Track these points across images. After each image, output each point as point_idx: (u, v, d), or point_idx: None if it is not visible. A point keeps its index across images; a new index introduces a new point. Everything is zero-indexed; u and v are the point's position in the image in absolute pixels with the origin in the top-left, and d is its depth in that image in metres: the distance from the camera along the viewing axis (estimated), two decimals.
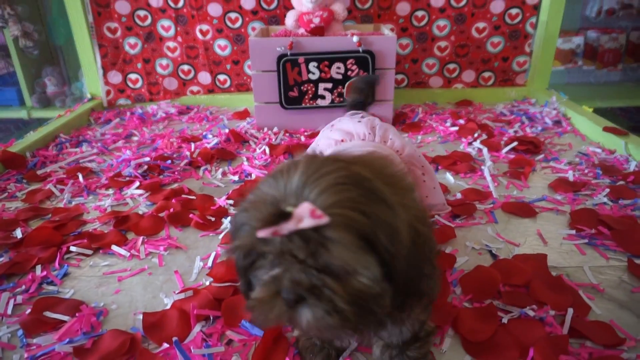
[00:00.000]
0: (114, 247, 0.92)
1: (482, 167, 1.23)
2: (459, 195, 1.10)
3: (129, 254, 0.91)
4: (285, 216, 0.38)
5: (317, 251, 0.38)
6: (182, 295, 0.78)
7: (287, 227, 0.38)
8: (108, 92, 1.85)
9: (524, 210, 1.03)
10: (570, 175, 1.18)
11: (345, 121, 0.84)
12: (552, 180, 1.16)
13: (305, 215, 0.37)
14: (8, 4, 2.53)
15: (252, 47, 1.47)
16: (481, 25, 1.78)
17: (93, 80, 1.82)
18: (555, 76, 2.47)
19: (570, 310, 0.70)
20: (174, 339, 0.66)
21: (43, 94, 2.70)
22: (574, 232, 0.94)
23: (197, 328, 0.70)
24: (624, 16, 2.39)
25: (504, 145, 1.35)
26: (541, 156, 1.31)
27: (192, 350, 0.65)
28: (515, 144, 1.34)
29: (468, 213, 1.01)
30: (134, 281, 0.84)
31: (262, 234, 0.38)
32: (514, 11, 1.76)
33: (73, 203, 1.13)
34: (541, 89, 1.84)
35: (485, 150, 1.32)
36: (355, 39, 1.44)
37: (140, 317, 0.73)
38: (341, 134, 0.80)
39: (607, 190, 1.09)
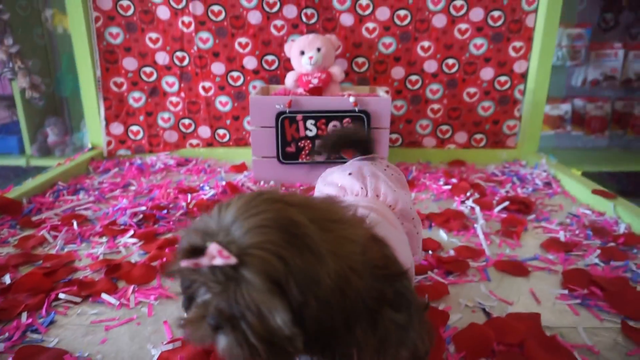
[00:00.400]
0: (104, 295, 0.91)
1: (475, 225, 1.24)
2: (452, 252, 1.10)
3: (118, 302, 0.90)
4: (203, 251, 0.42)
5: (230, 288, 0.41)
6: (170, 346, 0.76)
7: (203, 262, 0.41)
8: (109, 143, 1.88)
9: (516, 268, 1.03)
10: (561, 236, 1.19)
11: (337, 174, 0.84)
12: (544, 240, 1.17)
13: (215, 254, 0.41)
14: (20, 58, 2.64)
15: (252, 104, 1.53)
16: (472, 90, 1.87)
17: (95, 131, 1.87)
18: (546, 140, 2.55)
19: None
20: None
21: (44, 143, 2.75)
22: (566, 291, 0.94)
23: None
24: (607, 87, 2.52)
25: (496, 205, 1.38)
26: (532, 216, 1.33)
27: None
28: (506, 203, 1.37)
29: (461, 270, 1.02)
30: (121, 331, 0.82)
31: (183, 264, 0.42)
32: (502, 78, 1.85)
33: (65, 250, 1.12)
34: (531, 151, 1.90)
35: (477, 208, 1.34)
36: (351, 99, 1.50)
37: None
38: (335, 189, 0.82)
39: (599, 251, 1.10)
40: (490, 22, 1.79)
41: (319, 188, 0.86)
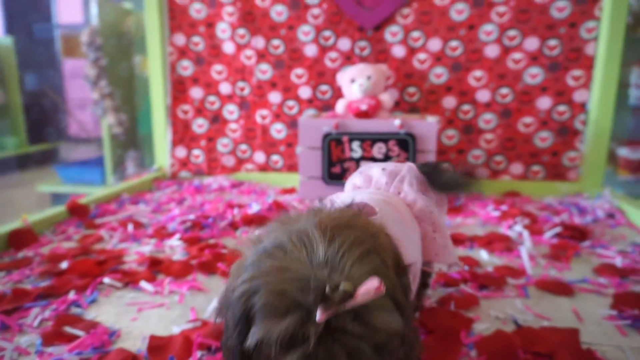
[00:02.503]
0: (142, 283, 0.97)
1: (520, 247, 1.18)
2: (490, 269, 1.05)
3: (153, 290, 0.96)
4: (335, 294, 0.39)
5: (364, 320, 0.40)
6: (191, 325, 0.79)
7: (350, 304, 0.39)
8: (173, 165, 2.04)
9: (560, 288, 0.96)
10: (618, 262, 1.09)
11: (374, 167, 0.85)
12: (597, 265, 1.08)
13: (371, 292, 0.39)
14: (111, 98, 3.00)
15: (301, 126, 1.60)
16: (528, 120, 1.82)
17: (162, 153, 2.04)
18: (625, 186, 2.34)
19: None
20: (170, 355, 0.66)
21: (123, 174, 3.03)
22: (615, 312, 0.86)
23: (198, 355, 0.71)
24: None
25: (547, 230, 1.30)
26: (587, 243, 1.23)
27: None
28: (559, 229, 1.28)
29: (497, 285, 0.97)
30: (151, 313, 0.87)
31: (321, 317, 0.38)
32: (561, 108, 1.79)
33: (118, 247, 1.22)
34: (595, 184, 1.77)
35: (526, 232, 1.27)
36: (397, 122, 1.52)
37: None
38: (362, 179, 0.83)
39: None
40: (546, 51, 1.75)
41: (351, 177, 0.87)
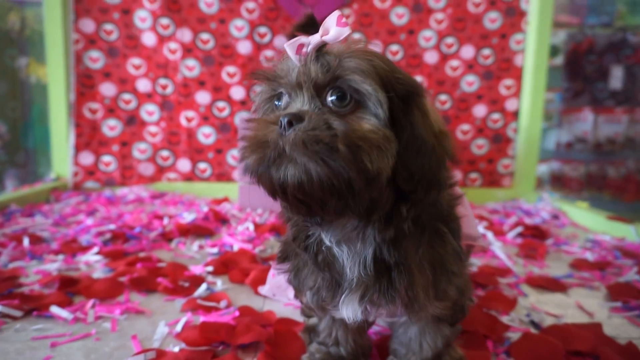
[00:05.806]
0: (53, 309, 0.71)
1: (492, 248, 1.11)
2: (474, 269, 0.96)
3: (72, 316, 0.70)
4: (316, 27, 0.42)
5: (335, 75, 0.41)
6: (140, 357, 0.56)
7: (314, 38, 0.40)
8: (76, 174, 1.70)
9: (552, 284, 0.89)
10: (589, 256, 1.07)
11: None
12: (572, 260, 1.04)
13: (332, 25, 0.40)
14: None
15: (241, 122, 1.41)
16: (465, 127, 1.82)
17: (61, 160, 1.69)
18: None
19: None
20: None
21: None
22: (619, 304, 0.80)
23: None
24: (580, 149, 2.51)
25: (509, 231, 1.26)
26: (551, 241, 1.21)
27: None
28: (520, 228, 1.25)
29: (492, 284, 0.87)
30: (73, 347, 0.62)
31: (289, 42, 0.41)
32: (495, 116, 1.83)
33: (10, 267, 0.91)
34: (528, 190, 1.82)
35: (490, 234, 1.22)
36: None
37: None
38: None
39: (637, 268, 0.97)
40: (480, 59, 1.79)
41: None
